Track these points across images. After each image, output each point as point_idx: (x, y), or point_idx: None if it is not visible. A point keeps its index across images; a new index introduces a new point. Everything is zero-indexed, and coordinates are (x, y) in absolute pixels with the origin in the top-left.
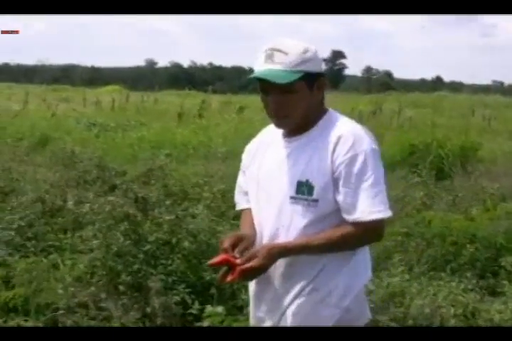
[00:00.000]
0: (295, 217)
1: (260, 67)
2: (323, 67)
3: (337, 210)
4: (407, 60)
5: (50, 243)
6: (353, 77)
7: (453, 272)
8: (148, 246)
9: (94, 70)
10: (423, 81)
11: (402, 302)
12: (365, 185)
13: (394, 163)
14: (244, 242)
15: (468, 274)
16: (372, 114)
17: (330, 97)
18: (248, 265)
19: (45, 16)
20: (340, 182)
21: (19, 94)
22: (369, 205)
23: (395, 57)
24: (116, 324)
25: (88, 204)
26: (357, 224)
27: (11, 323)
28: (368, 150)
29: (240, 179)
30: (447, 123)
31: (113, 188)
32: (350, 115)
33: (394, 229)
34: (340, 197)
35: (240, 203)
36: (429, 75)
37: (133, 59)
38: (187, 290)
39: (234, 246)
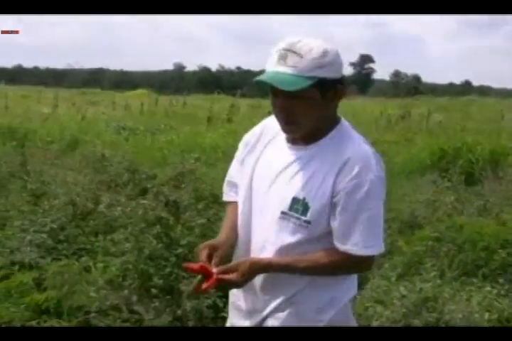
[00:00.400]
0: (283, 234)
1: (271, 68)
2: (347, 71)
3: (328, 233)
4: (435, 64)
5: (82, 246)
6: (381, 81)
7: (484, 277)
8: (180, 250)
9: (123, 74)
10: (451, 85)
11: (434, 307)
12: (364, 216)
13: (424, 167)
14: (219, 251)
15: (501, 280)
16: (401, 118)
17: (358, 102)
18: (227, 277)
19: (74, 20)
20: (338, 209)
21: (49, 98)
22: (363, 239)
23: (424, 61)
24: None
25: (120, 208)
26: (347, 255)
27: (45, 325)
28: (374, 179)
29: (233, 169)
30: (477, 128)
31: (144, 192)
32: (379, 119)
33: (425, 234)
34: (335, 224)
35: (228, 194)
36: (457, 79)
37: (161, 63)
38: (218, 293)
39: (209, 255)
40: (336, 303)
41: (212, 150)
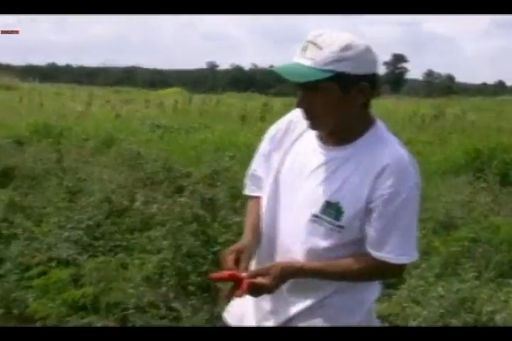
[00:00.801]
0: (314, 238)
1: (294, 59)
2: (379, 70)
3: (360, 239)
4: (468, 63)
5: (118, 243)
6: (414, 80)
7: None
8: (217, 248)
9: (156, 72)
10: (485, 85)
11: (472, 308)
12: (400, 224)
13: (458, 167)
14: (246, 254)
15: None
16: (435, 117)
17: (391, 101)
18: (258, 281)
19: (108, 18)
20: (374, 216)
21: (82, 95)
22: (398, 247)
23: (457, 60)
24: (186, 324)
25: (156, 205)
26: (380, 262)
27: (83, 321)
28: (412, 187)
29: (257, 162)
30: (511, 128)
31: (179, 189)
32: (413, 119)
33: (461, 235)
34: (370, 231)
35: (250, 188)
36: (491, 79)
37: (194, 61)
38: None
39: (236, 260)
40: (364, 305)
41: (246, 149)
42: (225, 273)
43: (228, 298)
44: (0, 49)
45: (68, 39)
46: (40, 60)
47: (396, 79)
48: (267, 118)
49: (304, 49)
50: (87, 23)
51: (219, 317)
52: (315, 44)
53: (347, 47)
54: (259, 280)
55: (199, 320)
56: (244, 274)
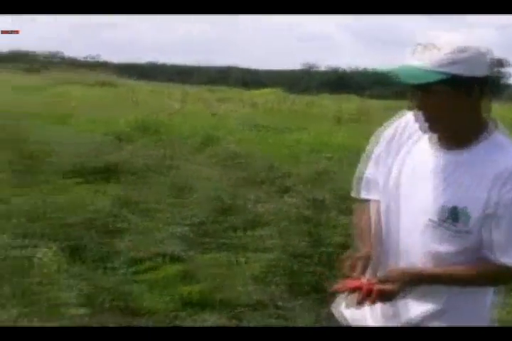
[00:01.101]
0: (433, 243)
1: (406, 61)
2: (488, 73)
3: (479, 244)
4: None
5: (225, 241)
6: None
7: None
8: (325, 248)
9: (250, 72)
10: None
11: None
12: None
13: None
14: (364, 262)
15: None
16: None
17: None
18: (387, 287)
19: (206, 18)
20: (497, 221)
21: (177, 94)
22: None
23: None
24: (294, 324)
25: (260, 204)
26: (503, 268)
27: (193, 318)
28: None
29: (370, 165)
30: None
31: (282, 189)
32: None
33: None
34: (493, 236)
35: (361, 192)
36: None
37: (289, 62)
38: None
39: (354, 267)
40: (486, 308)
41: (342, 150)
42: (348, 286)
43: (360, 305)
44: (98, 46)
45: (165, 37)
46: (136, 57)
47: (497, 84)
48: (363, 120)
49: (417, 51)
50: (184, 21)
51: (328, 317)
52: (430, 46)
53: (462, 49)
54: (387, 286)
55: (308, 320)
56: (366, 281)
